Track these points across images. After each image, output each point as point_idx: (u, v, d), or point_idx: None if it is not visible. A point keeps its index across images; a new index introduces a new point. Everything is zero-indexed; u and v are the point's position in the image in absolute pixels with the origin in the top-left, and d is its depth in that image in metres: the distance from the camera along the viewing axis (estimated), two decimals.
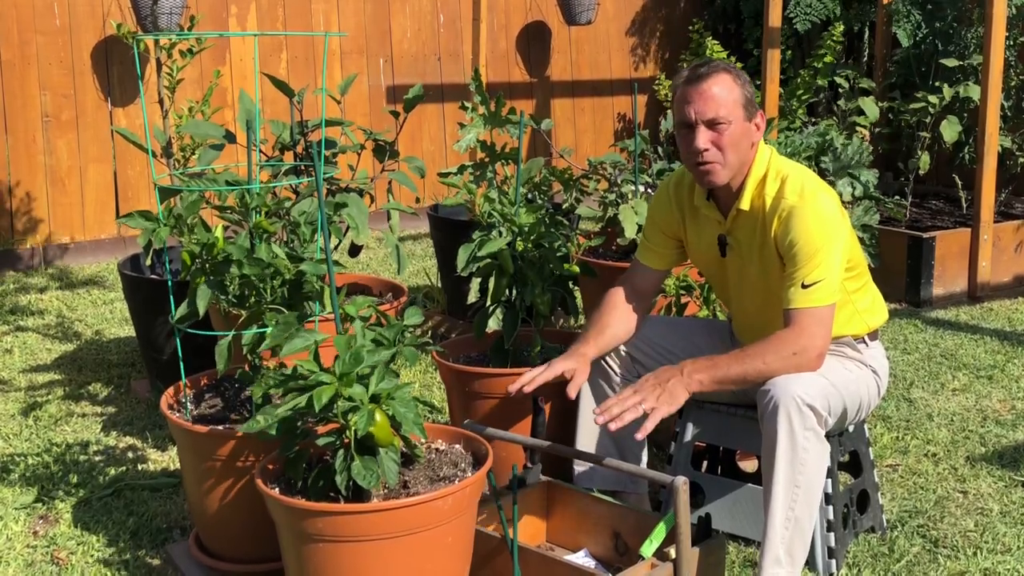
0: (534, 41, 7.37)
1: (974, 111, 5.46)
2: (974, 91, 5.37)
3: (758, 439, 2.48)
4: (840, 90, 6.01)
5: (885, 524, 2.89)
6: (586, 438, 2.83)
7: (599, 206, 4.03)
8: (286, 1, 6.55)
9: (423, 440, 2.39)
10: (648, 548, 2.28)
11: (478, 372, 2.97)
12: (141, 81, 5.30)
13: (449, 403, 3.15)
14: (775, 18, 5.48)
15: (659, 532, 2.28)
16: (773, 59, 5.55)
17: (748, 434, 2.70)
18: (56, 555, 2.81)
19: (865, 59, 6.51)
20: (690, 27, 7.50)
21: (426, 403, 2.42)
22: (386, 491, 2.30)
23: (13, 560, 2.79)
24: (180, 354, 2.84)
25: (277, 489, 2.28)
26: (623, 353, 2.82)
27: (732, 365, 2.48)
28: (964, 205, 5.65)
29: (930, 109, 5.47)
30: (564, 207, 4.06)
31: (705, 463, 3.03)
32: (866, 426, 2.93)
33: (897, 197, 5.24)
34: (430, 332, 4.58)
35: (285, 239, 2.81)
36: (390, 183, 3.37)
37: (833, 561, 2.64)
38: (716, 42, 6.93)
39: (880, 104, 5.83)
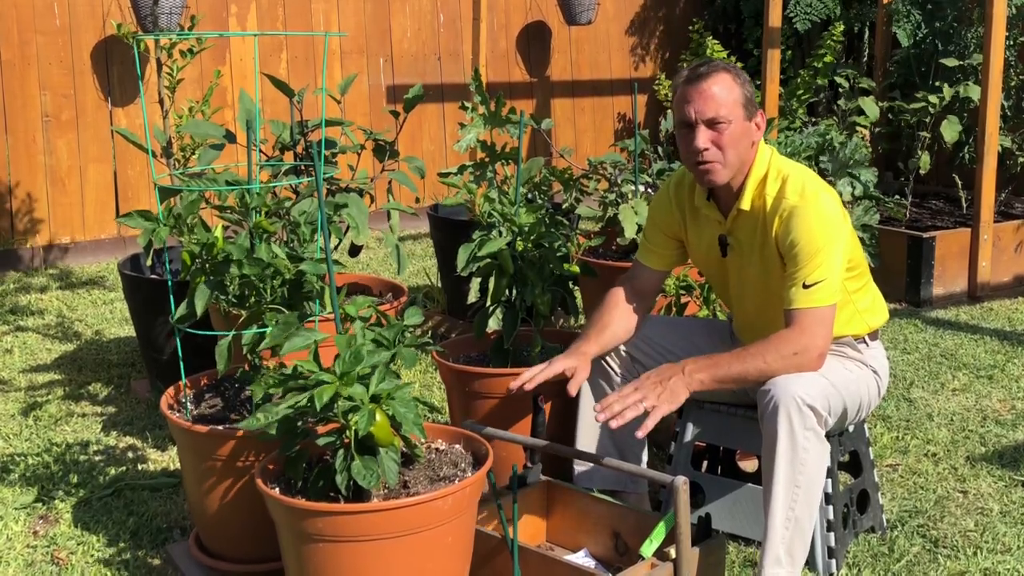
0: (534, 41, 7.37)
1: (974, 111, 5.46)
2: (974, 91, 5.37)
3: (758, 439, 2.48)
4: (840, 90, 6.01)
5: (885, 524, 2.89)
6: (586, 438, 2.83)
7: (599, 206, 4.03)
8: (286, 1, 6.55)
9: (423, 440, 2.39)
10: (648, 548, 2.28)
11: (478, 372, 2.97)
12: (141, 81, 5.30)
13: (449, 403, 3.15)
14: (775, 18, 5.48)
15: (659, 532, 2.28)
16: (773, 59, 5.55)
17: (748, 434, 2.70)
18: (56, 555, 2.81)
19: (865, 59, 6.51)
20: (690, 27, 7.50)
21: (426, 403, 2.42)
22: (386, 491, 2.30)
23: (13, 560, 2.79)
24: (180, 354, 2.84)
25: (277, 489, 2.28)
26: (623, 353, 2.82)
27: (733, 364, 2.48)
28: (964, 205, 5.65)
29: (930, 109, 5.47)
30: (564, 207, 4.06)
31: (705, 463, 3.03)
32: (866, 426, 2.93)
33: (897, 197, 5.25)
34: (430, 332, 4.58)
35: (285, 239, 2.81)
36: (390, 183, 3.37)
37: (833, 561, 2.64)
38: (716, 42, 6.92)
39: (880, 104, 5.83)
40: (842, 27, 6.07)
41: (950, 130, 5.50)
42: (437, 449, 2.47)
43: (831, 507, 2.64)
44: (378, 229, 5.29)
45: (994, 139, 5.07)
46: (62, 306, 5.15)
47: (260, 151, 3.04)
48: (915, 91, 5.78)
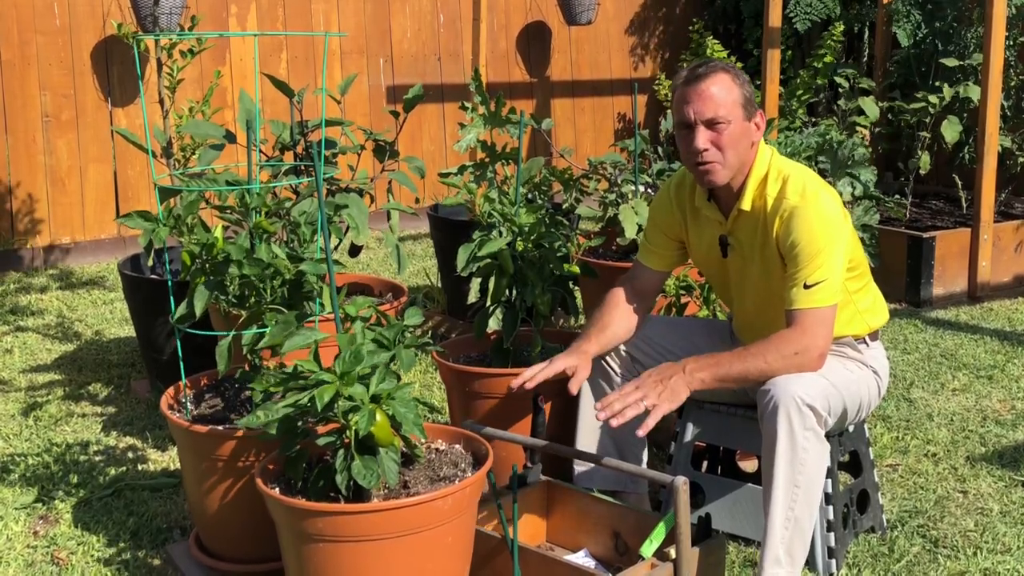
0: (534, 41, 7.37)
1: (974, 111, 5.46)
2: (974, 91, 5.37)
3: (758, 439, 2.48)
4: (840, 90, 6.00)
5: (885, 524, 2.89)
6: (586, 438, 2.83)
7: (599, 206, 4.03)
8: (286, 1, 6.55)
9: (423, 440, 2.39)
10: (648, 548, 2.28)
11: (478, 372, 2.97)
12: (141, 81, 5.30)
13: (449, 403, 3.15)
14: (775, 18, 5.48)
15: (659, 532, 2.28)
16: (773, 59, 5.55)
17: (748, 434, 2.70)
18: (56, 555, 2.81)
19: (865, 59, 6.51)
20: (690, 27, 7.50)
21: (426, 403, 2.42)
22: (386, 491, 2.30)
23: (13, 560, 2.79)
24: (180, 354, 2.84)
25: (277, 489, 2.28)
26: (623, 353, 2.82)
27: (734, 363, 2.48)
28: (964, 205, 5.65)
29: (930, 109, 5.47)
30: (564, 207, 4.06)
31: (705, 463, 3.03)
32: (866, 426, 2.93)
33: (897, 197, 5.25)
34: (430, 332, 4.58)
35: (285, 239, 2.81)
36: (390, 183, 3.37)
37: (833, 561, 2.64)
38: (716, 42, 6.93)
39: (880, 104, 5.83)
40: (842, 27, 6.07)
41: (950, 130, 5.50)
42: (437, 449, 2.47)
43: (831, 507, 2.64)
44: (378, 229, 5.29)
45: (994, 139, 5.07)
46: (62, 306, 5.15)
47: (260, 151, 3.04)
48: (915, 91, 5.78)
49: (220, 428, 2.58)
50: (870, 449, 2.88)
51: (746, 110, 2.56)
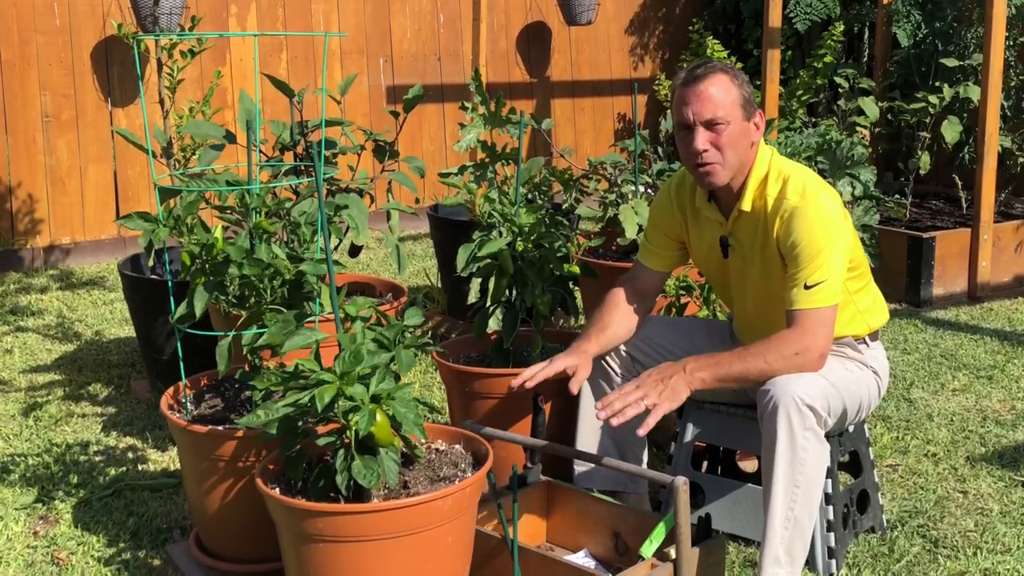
0: (534, 41, 7.37)
1: (974, 111, 5.46)
2: (974, 91, 5.37)
3: (758, 439, 2.48)
4: (840, 90, 6.01)
5: (885, 524, 2.89)
6: (586, 438, 2.83)
7: (599, 206, 4.03)
8: (286, 1, 6.55)
9: (423, 440, 2.39)
10: (648, 548, 2.28)
11: (478, 372, 2.97)
12: (141, 81, 5.30)
13: (449, 403, 3.15)
14: (775, 18, 5.49)
15: (659, 532, 2.28)
16: (773, 59, 5.55)
17: (748, 434, 2.70)
18: (56, 555, 2.81)
19: (865, 59, 6.51)
20: (690, 27, 7.50)
21: (426, 403, 2.42)
22: (386, 491, 2.30)
23: (13, 560, 2.79)
24: (180, 354, 2.85)
25: (277, 489, 2.28)
26: (623, 353, 2.82)
27: (734, 363, 2.48)
28: (964, 205, 5.65)
29: (930, 109, 5.47)
30: (564, 207, 4.06)
31: (705, 463, 3.03)
32: (866, 426, 2.93)
33: (897, 197, 5.25)
34: (430, 332, 4.58)
35: (285, 239, 2.81)
36: (390, 183, 3.37)
37: (833, 561, 2.65)
38: (716, 42, 6.93)
39: (880, 104, 5.83)
40: (842, 27, 6.08)
41: (950, 130, 5.51)
42: (437, 449, 2.47)
43: (831, 507, 2.64)
44: (378, 229, 5.28)
45: (994, 139, 5.07)
46: (62, 306, 5.15)
47: (260, 151, 3.04)
48: (915, 91, 5.78)
49: (220, 428, 2.58)
50: (870, 449, 2.88)
51: (745, 110, 2.56)
